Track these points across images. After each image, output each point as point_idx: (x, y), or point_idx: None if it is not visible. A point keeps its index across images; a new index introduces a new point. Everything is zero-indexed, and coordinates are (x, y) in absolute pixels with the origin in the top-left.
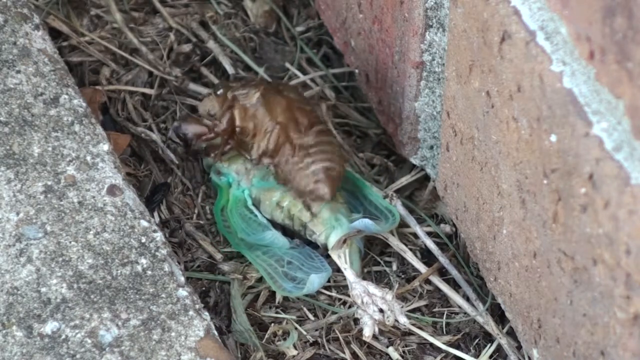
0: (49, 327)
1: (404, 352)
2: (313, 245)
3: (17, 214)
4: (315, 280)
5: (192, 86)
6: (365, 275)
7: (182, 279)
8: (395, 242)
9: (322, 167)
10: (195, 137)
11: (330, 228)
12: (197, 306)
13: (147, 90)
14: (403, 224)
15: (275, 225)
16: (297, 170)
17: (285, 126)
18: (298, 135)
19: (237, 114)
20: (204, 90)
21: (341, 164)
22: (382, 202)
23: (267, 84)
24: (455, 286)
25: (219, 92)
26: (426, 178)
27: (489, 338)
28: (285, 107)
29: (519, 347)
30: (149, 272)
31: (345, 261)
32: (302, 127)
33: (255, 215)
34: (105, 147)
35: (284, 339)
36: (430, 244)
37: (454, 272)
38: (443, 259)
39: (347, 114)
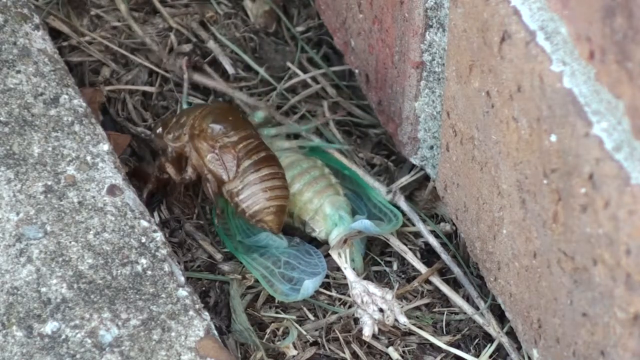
0: (49, 327)
1: (404, 352)
2: (314, 243)
3: (17, 214)
4: (309, 286)
5: (197, 77)
6: (365, 275)
7: (182, 279)
8: (396, 243)
9: (256, 211)
10: (149, 181)
11: (332, 225)
12: (197, 306)
13: (147, 89)
14: (403, 224)
15: None
16: (239, 213)
17: (214, 175)
18: (227, 180)
19: (170, 169)
20: (209, 82)
21: (278, 195)
22: (386, 204)
23: (194, 119)
24: (455, 286)
25: (157, 132)
26: (426, 178)
27: (489, 338)
28: (210, 150)
29: (519, 347)
30: (149, 272)
31: (345, 260)
32: (229, 171)
33: None
34: (105, 147)
35: (284, 338)
36: (432, 240)
37: (455, 270)
38: (445, 256)
39: (350, 110)
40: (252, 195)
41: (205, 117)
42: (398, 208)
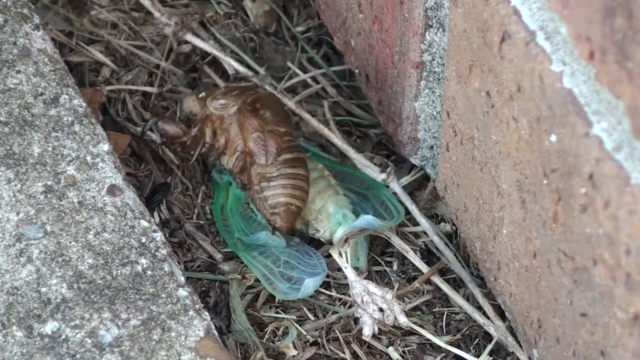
0: (49, 327)
1: (404, 352)
2: (314, 244)
3: (17, 214)
4: (310, 285)
5: (190, 37)
6: (366, 275)
7: (182, 279)
8: (397, 242)
9: (278, 202)
10: (170, 138)
11: (336, 224)
12: (197, 306)
13: (147, 89)
14: (404, 224)
15: None
16: (257, 198)
17: (251, 153)
18: (263, 163)
19: (208, 129)
20: (205, 46)
21: (302, 198)
22: (392, 200)
23: (247, 96)
24: (456, 286)
25: (200, 95)
26: (426, 178)
27: (489, 338)
28: (256, 130)
29: (519, 347)
30: (149, 272)
31: (346, 260)
32: (269, 155)
33: (255, 215)
34: (105, 147)
35: (284, 338)
36: (424, 221)
37: (447, 253)
38: (442, 245)
39: (350, 110)
40: (281, 187)
41: (261, 98)
42: (401, 203)
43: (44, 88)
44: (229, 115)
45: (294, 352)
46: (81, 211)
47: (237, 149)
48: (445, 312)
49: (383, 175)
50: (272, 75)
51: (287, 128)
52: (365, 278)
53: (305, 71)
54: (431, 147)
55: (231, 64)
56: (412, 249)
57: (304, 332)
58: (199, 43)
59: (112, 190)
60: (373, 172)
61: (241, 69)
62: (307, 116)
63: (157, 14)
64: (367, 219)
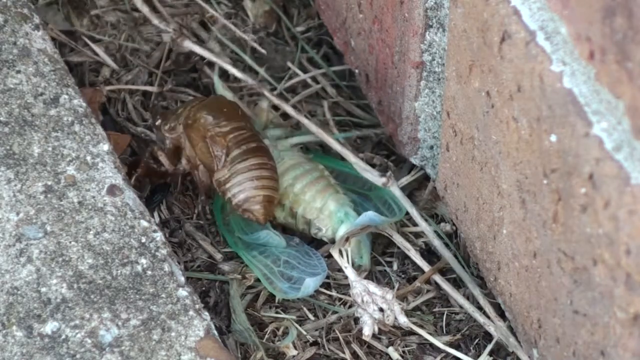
0: (49, 327)
1: (404, 352)
2: (314, 244)
3: (17, 214)
4: (310, 284)
5: (188, 44)
6: (367, 274)
7: (182, 279)
8: (399, 240)
9: (240, 200)
10: (152, 177)
11: (339, 222)
12: (197, 306)
13: (147, 88)
14: (405, 224)
15: (275, 224)
16: (226, 201)
17: (204, 164)
18: (217, 169)
19: (163, 157)
20: (204, 53)
21: (267, 186)
22: (394, 198)
23: (188, 111)
24: (455, 286)
25: (157, 123)
26: (426, 178)
27: (489, 338)
28: (202, 139)
29: (519, 347)
30: (149, 272)
31: (347, 260)
32: (217, 160)
33: None
34: (105, 147)
35: (284, 338)
36: (424, 225)
37: (446, 254)
38: (442, 246)
39: (350, 110)
40: (239, 184)
41: (199, 108)
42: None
43: (44, 88)
44: (180, 135)
45: (294, 352)
46: (81, 211)
47: (196, 166)
48: (446, 312)
49: (383, 180)
50: (272, 75)
51: (233, 124)
52: (366, 278)
53: (305, 71)
54: (431, 147)
55: (228, 69)
56: (413, 248)
57: (304, 332)
58: (198, 50)
59: (112, 190)
60: (373, 176)
61: (238, 74)
62: (305, 121)
63: (155, 22)
64: (368, 215)
